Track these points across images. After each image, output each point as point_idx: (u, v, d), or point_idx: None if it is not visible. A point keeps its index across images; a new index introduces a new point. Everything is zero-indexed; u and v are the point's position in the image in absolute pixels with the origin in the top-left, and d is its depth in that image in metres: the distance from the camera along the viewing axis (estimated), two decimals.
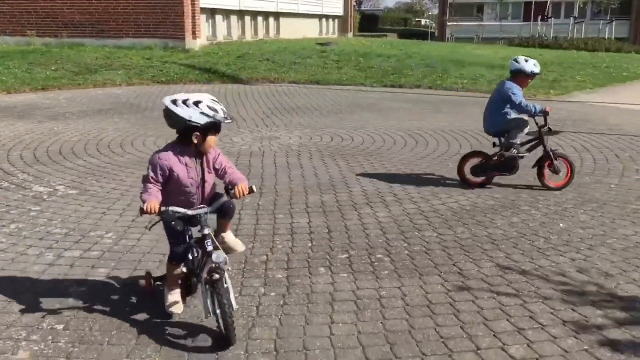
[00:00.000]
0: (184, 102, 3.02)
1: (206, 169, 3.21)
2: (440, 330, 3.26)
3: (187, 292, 3.45)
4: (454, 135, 8.63)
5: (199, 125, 3.02)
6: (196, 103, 3.02)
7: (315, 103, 11.66)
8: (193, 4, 17.21)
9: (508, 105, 5.88)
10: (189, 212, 3.08)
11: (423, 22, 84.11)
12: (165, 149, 3.18)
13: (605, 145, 8.01)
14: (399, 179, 6.32)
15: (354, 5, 35.69)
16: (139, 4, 17.09)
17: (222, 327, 3.02)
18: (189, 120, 3.00)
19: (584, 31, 34.55)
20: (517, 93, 5.82)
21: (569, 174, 6.03)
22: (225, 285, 3.01)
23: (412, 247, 4.47)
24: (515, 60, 6.05)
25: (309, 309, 3.49)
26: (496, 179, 6.20)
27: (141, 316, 3.39)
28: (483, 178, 6.10)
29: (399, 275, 3.97)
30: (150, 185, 3.07)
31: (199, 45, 17.65)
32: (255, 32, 22.61)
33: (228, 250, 3.53)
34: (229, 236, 3.61)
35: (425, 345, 3.11)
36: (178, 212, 3.04)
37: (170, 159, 3.10)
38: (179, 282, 3.42)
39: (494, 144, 6.07)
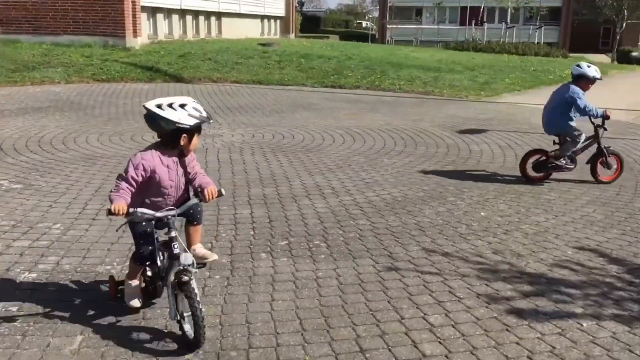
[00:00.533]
0: (170, 105, 3.09)
1: (181, 171, 3.28)
2: (370, 304, 3.63)
3: (152, 295, 3.41)
4: (389, 133, 9.09)
5: (188, 127, 3.10)
6: (182, 106, 3.10)
7: (258, 102, 11.92)
8: (134, 2, 17.13)
9: (572, 109, 6.30)
10: (158, 214, 3.09)
11: (364, 24, 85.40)
12: (149, 149, 3.21)
13: (527, 143, 8.64)
14: (336, 174, 6.70)
15: (295, 6, 36.08)
16: (78, 1, 16.87)
17: (192, 330, 3.01)
18: (179, 123, 3.07)
19: (515, 36, 36.09)
20: (582, 97, 6.23)
21: (619, 169, 6.58)
22: (194, 288, 2.98)
23: (347, 234, 4.84)
24: (579, 65, 6.48)
25: (251, 289, 3.80)
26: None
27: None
28: (543, 174, 6.56)
29: (334, 258, 4.32)
30: (123, 184, 3.09)
31: (140, 44, 17.58)
32: (197, 32, 22.62)
33: (201, 261, 3.61)
34: (200, 249, 3.68)
35: (356, 317, 3.48)
36: (146, 214, 3.04)
37: (154, 160, 3.15)
38: (140, 276, 3.44)
39: (554, 142, 6.54)
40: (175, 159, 3.24)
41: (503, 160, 7.58)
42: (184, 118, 3.08)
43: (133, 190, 3.11)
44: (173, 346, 3.12)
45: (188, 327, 3.06)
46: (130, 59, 15.91)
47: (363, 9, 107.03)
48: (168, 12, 20.39)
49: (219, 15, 24.31)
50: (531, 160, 6.66)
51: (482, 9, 44.79)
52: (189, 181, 3.33)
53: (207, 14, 23.34)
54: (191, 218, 3.53)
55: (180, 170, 3.27)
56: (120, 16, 16.86)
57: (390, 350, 3.12)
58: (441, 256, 4.42)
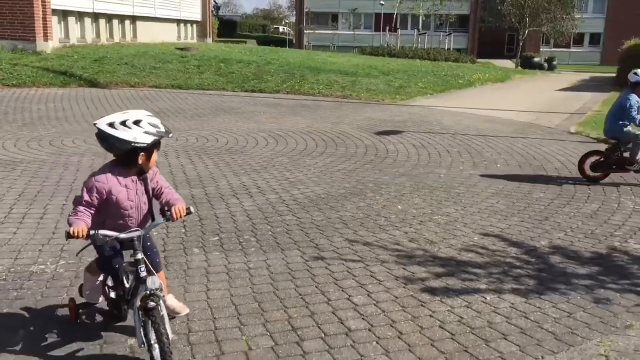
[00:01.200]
0: (123, 123, 2.87)
1: (147, 190, 3.07)
2: (299, 290, 3.93)
3: (117, 318, 3.28)
4: (310, 135, 9.44)
5: (145, 145, 2.88)
6: (137, 122, 2.88)
7: (178, 107, 11.97)
8: (44, 5, 16.59)
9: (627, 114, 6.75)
10: (121, 235, 2.91)
11: (281, 29, 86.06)
12: (103, 170, 3.00)
13: (439, 143, 9.25)
14: (261, 174, 6.96)
15: (212, 11, 35.93)
16: None
17: (159, 358, 2.83)
18: (134, 142, 2.85)
19: (427, 42, 37.65)
20: (634, 106, 6.67)
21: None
22: (162, 313, 2.86)
23: (274, 229, 5.12)
24: (635, 73, 6.85)
25: (186, 281, 4.00)
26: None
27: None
28: (601, 174, 6.98)
29: (264, 251, 4.60)
30: (81, 208, 2.91)
31: (51, 48, 17.06)
32: (111, 36, 22.13)
33: (172, 313, 3.34)
34: (170, 300, 3.38)
35: (287, 301, 3.77)
36: (109, 236, 2.89)
37: (109, 182, 2.95)
38: (100, 273, 3.29)
39: (613, 145, 6.96)
40: (134, 177, 3.01)
41: (417, 158, 8.10)
42: (139, 136, 2.86)
43: (91, 212, 2.93)
44: None
45: (157, 354, 2.85)
46: (42, 63, 15.43)
47: (280, 14, 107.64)
48: (80, 15, 19.84)
49: (134, 19, 23.88)
50: (589, 160, 7.16)
51: (395, 16, 46.31)
52: (155, 197, 3.12)
53: (121, 18, 22.87)
54: (149, 260, 3.08)
55: (141, 189, 3.04)
56: (29, 19, 16.27)
57: (319, 327, 3.43)
58: (363, 245, 4.79)
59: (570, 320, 3.60)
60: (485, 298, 3.87)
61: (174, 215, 2.96)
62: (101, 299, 3.39)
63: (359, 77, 17.73)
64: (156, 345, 2.84)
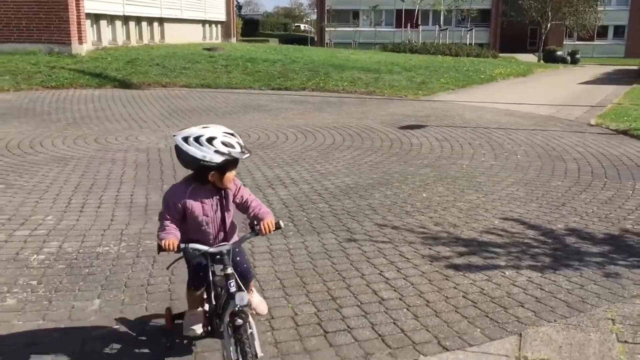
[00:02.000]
0: (197, 139, 2.81)
1: (225, 206, 3.04)
2: (335, 267, 4.39)
3: (210, 333, 3.25)
4: (337, 130, 9.89)
5: (215, 164, 2.82)
6: (210, 140, 2.80)
7: (209, 105, 12.50)
8: (78, 10, 17.31)
9: None
10: (211, 249, 2.92)
11: (302, 27, 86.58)
12: (180, 184, 3.02)
13: (461, 136, 9.62)
14: (293, 167, 7.43)
15: (235, 11, 36.55)
16: (21, 9, 16.92)
17: None
18: (203, 161, 2.79)
19: (448, 37, 37.78)
20: None
21: None
22: (250, 331, 2.82)
23: (309, 215, 5.58)
24: None
25: None
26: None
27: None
28: None
29: (301, 234, 5.06)
30: (166, 222, 2.93)
31: (86, 51, 17.77)
32: (141, 38, 22.83)
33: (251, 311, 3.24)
34: (252, 297, 3.35)
35: (325, 276, 4.22)
36: (199, 250, 2.89)
37: (184, 194, 2.95)
38: (201, 304, 3.29)
39: None
40: (212, 192, 2.99)
41: (440, 151, 8.49)
42: (209, 155, 2.79)
43: (176, 225, 2.95)
44: None
45: None
46: (78, 65, 16.12)
47: (301, 12, 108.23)
48: (111, 18, 20.57)
49: (161, 20, 24.57)
50: None
51: (416, 12, 46.45)
52: (242, 211, 3.09)
53: (150, 20, 23.58)
54: (240, 276, 3.03)
55: (217, 205, 3.00)
56: (65, 23, 17.01)
57: (355, 297, 3.88)
58: (391, 229, 5.22)
59: (582, 291, 4.00)
60: (505, 273, 4.29)
61: (263, 230, 2.92)
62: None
63: (382, 73, 18.12)
64: None
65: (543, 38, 41.08)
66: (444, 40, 36.89)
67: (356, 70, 18.15)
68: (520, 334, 3.42)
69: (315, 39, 61.21)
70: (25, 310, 3.64)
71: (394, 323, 3.55)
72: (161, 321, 3.52)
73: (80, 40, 17.58)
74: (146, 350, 3.25)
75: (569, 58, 37.80)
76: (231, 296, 2.84)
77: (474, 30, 40.49)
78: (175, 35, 25.14)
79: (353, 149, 8.55)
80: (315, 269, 4.34)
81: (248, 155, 2.89)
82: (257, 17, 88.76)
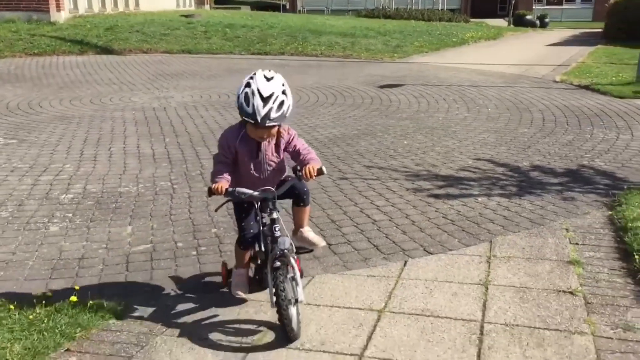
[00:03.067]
0: (248, 84, 2.95)
1: (269, 153, 3.09)
2: (332, 199, 5.02)
3: (259, 285, 3.30)
4: (320, 90, 10.44)
5: (240, 116, 2.95)
6: (253, 93, 2.90)
7: (193, 69, 12.91)
8: None
9: None
10: (256, 193, 2.97)
11: None
12: (234, 127, 3.11)
13: (436, 93, 10.27)
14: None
15: None
16: None
17: (281, 320, 2.86)
18: (238, 107, 2.93)
19: (421, 3, 38.20)
20: None
21: None
22: (290, 275, 2.89)
23: None
24: None
25: None
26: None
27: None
28: None
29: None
30: (220, 165, 3.06)
31: (64, 18, 17.86)
32: (116, 5, 22.81)
33: (308, 245, 3.37)
34: (307, 233, 3.38)
35: (324, 205, 4.86)
36: (245, 193, 2.94)
37: (235, 139, 3.04)
38: (248, 265, 3.37)
39: None
40: (255, 142, 3.05)
41: (418, 106, 9.13)
42: (241, 106, 2.90)
43: (229, 169, 3.06)
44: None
45: (294, 318, 2.90)
46: (58, 33, 16.27)
47: None
48: None
49: None
50: None
51: None
52: (293, 159, 3.14)
53: None
54: (296, 198, 3.27)
55: (263, 151, 3.08)
56: None
57: (351, 220, 4.54)
58: (377, 169, 5.86)
59: (543, 210, 4.71)
60: (477, 199, 4.97)
61: (305, 175, 2.94)
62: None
63: (358, 38, 18.60)
64: (294, 307, 2.90)
65: (513, 3, 41.72)
66: (417, 6, 37.32)
67: (333, 35, 18.60)
68: (491, 241, 4.11)
69: (288, 6, 60.89)
70: (68, 235, 4.22)
71: (386, 237, 4.22)
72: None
73: (58, 8, 17.66)
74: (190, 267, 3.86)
75: (538, 22, 38.53)
76: (274, 240, 2.92)
77: None
78: (150, 3, 25.13)
79: (337, 105, 9.14)
80: (314, 200, 4.96)
81: (266, 124, 2.87)
82: None
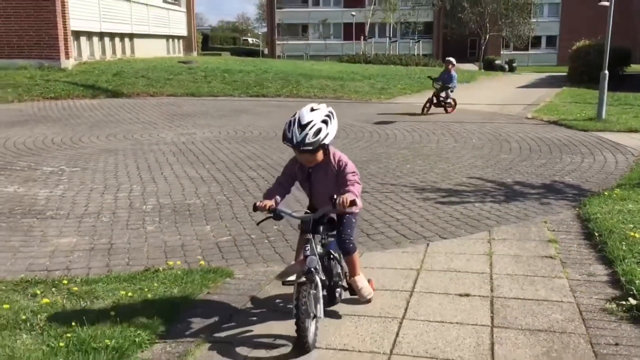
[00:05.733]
0: (294, 114, 3.35)
1: (318, 178, 3.42)
2: None
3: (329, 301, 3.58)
4: None
5: (284, 140, 3.35)
6: (302, 126, 3.25)
7: (202, 110, 14.22)
8: (64, 27, 18.71)
9: None
10: (294, 214, 3.30)
11: (250, 40, 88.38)
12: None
13: (426, 128, 11.71)
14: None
15: (195, 26, 38.10)
16: (12, 27, 18.20)
17: (297, 331, 3.03)
18: (285, 140, 3.32)
19: (398, 49, 40.44)
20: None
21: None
22: (313, 292, 3.11)
23: None
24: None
25: None
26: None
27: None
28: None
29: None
30: (275, 183, 3.50)
31: (72, 65, 19.14)
32: (114, 52, 24.22)
33: (356, 293, 3.62)
34: (358, 282, 3.62)
35: None
36: (285, 212, 3.29)
37: (296, 163, 3.47)
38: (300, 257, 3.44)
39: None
40: (314, 166, 3.40)
41: (412, 138, 10.54)
42: (286, 129, 3.31)
43: (284, 190, 3.46)
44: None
45: (311, 331, 3.11)
46: (70, 78, 17.52)
47: (248, 26, 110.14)
48: (89, 35, 21.95)
49: (132, 36, 26.00)
50: None
51: (366, 25, 49.08)
52: (340, 187, 3.33)
53: (122, 36, 25.00)
54: (339, 240, 3.52)
55: (313, 176, 3.43)
56: (54, 40, 18.39)
57: (379, 219, 5.80)
58: (390, 186, 7.17)
59: (526, 211, 6.04)
60: (475, 204, 6.30)
61: (338, 204, 3.16)
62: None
63: (346, 81, 20.20)
64: (314, 322, 3.16)
65: (482, 48, 44.34)
66: (394, 51, 39.52)
67: (323, 79, 20.17)
68: (489, 230, 5.42)
69: (267, 52, 63.12)
70: (163, 231, 5.41)
71: (409, 229, 5.49)
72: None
73: (67, 56, 18.97)
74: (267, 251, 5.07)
75: (507, 66, 41.06)
76: (304, 259, 3.19)
77: (420, 42, 43.35)
78: (144, 49, 26.60)
79: (342, 138, 10.50)
80: None
81: (300, 148, 3.24)
82: (206, 31, 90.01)
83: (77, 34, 20.86)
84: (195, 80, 18.72)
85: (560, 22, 56.78)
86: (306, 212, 3.40)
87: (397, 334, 3.37)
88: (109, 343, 3.08)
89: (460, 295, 3.92)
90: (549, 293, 3.92)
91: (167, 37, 30.66)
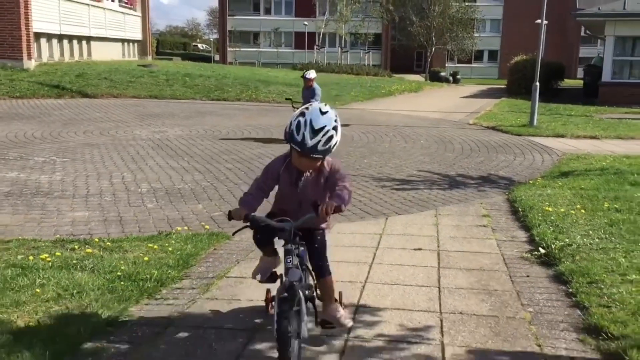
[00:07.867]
0: (302, 113, 2.98)
1: (309, 185, 3.13)
2: None
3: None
4: (279, 129, 12.80)
5: (285, 140, 3.00)
6: (313, 130, 2.92)
7: (167, 111, 15.00)
8: (27, 29, 19.07)
9: None
10: (273, 223, 3.03)
11: (200, 46, 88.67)
12: (282, 155, 3.19)
13: (378, 131, 12.91)
14: (272, 148, 10.29)
15: (150, 30, 38.45)
16: None
17: (279, 349, 2.82)
18: (286, 133, 2.99)
19: (349, 59, 41.92)
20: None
21: None
22: (296, 309, 2.90)
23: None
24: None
25: None
26: None
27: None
28: None
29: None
30: (252, 190, 3.17)
31: (34, 66, 19.50)
32: (72, 55, 24.55)
33: (334, 322, 3.30)
34: (334, 310, 3.31)
35: None
36: (263, 222, 3.02)
37: (280, 165, 3.15)
38: (269, 256, 3.52)
39: None
40: (297, 169, 3.11)
41: (367, 139, 11.70)
42: (289, 133, 2.96)
43: (263, 194, 3.16)
44: None
45: (294, 351, 2.89)
46: (34, 78, 17.92)
47: (198, 32, 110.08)
48: (49, 37, 22.27)
49: (89, 39, 26.35)
50: None
51: (319, 35, 50.41)
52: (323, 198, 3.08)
53: (79, 38, 25.33)
54: (310, 254, 3.24)
55: (304, 182, 3.13)
56: (17, 41, 18.73)
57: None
58: (351, 176, 8.23)
59: (466, 196, 7.23)
60: (424, 191, 7.45)
61: (322, 211, 2.91)
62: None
63: (301, 87, 21.25)
64: (298, 342, 2.92)
65: (429, 60, 46.36)
66: (346, 61, 40.96)
67: (280, 85, 21.21)
68: (436, 209, 6.57)
69: (218, 58, 63.58)
70: (162, 209, 6.31)
71: (371, 207, 6.58)
72: None
73: (29, 56, 19.32)
74: None
75: (451, 78, 43.08)
76: (286, 271, 2.97)
77: (370, 52, 45.00)
78: (100, 52, 26.94)
79: None
80: None
81: (311, 155, 2.95)
82: (155, 36, 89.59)
83: (38, 36, 21.15)
84: (157, 84, 19.41)
85: (501, 38, 59.69)
86: (282, 220, 3.07)
87: (369, 273, 4.44)
88: (153, 273, 4.02)
89: (415, 249, 5.03)
90: (481, 248, 5.09)
91: (123, 40, 31.00)
